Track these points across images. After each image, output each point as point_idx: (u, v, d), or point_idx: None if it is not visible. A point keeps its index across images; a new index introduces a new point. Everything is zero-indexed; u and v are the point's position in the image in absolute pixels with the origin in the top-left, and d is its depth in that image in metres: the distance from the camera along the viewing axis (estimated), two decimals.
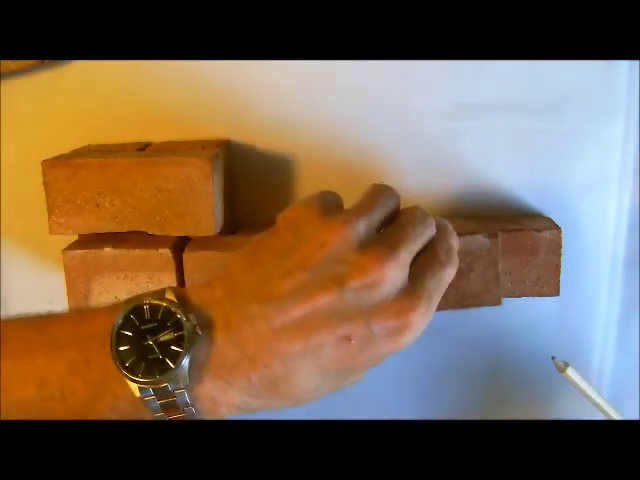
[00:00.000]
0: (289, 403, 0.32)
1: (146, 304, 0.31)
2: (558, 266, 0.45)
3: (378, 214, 0.33)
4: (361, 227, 0.32)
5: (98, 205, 0.41)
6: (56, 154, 0.43)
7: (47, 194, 0.41)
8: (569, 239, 0.46)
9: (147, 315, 0.31)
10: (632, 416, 0.51)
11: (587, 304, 0.50)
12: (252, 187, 0.48)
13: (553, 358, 0.45)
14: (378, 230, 0.34)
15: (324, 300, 0.30)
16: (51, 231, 0.42)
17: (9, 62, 0.45)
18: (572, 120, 0.47)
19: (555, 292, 0.45)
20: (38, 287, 0.49)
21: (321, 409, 0.51)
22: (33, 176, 0.43)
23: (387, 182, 0.45)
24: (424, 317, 0.31)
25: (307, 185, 0.48)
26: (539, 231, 0.45)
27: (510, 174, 0.47)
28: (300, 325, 0.30)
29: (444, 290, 0.33)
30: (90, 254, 0.42)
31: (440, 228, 0.35)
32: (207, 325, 0.30)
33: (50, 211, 0.41)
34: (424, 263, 0.33)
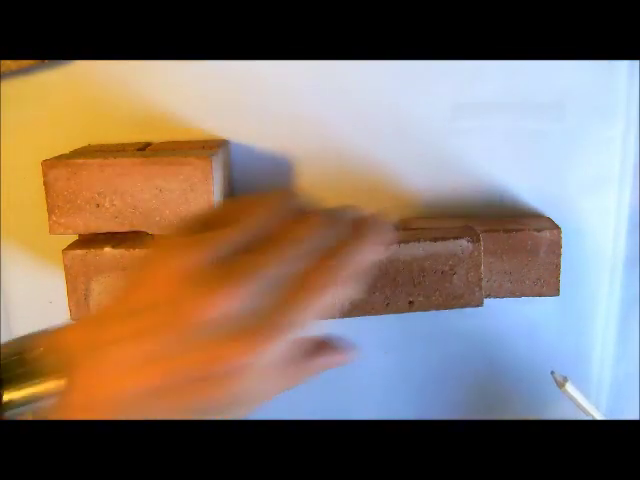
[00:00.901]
0: None
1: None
2: (558, 266, 0.45)
3: (228, 243, 0.29)
4: (204, 258, 0.28)
5: (98, 205, 0.41)
6: (56, 154, 0.43)
7: (47, 194, 0.41)
8: (569, 239, 0.46)
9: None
10: (632, 417, 0.51)
11: (587, 304, 0.50)
12: (252, 187, 0.48)
13: (552, 373, 0.45)
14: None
15: (160, 344, 0.28)
16: (51, 231, 0.42)
17: (9, 62, 0.45)
18: (572, 120, 0.47)
19: (555, 292, 0.45)
20: (38, 287, 0.49)
21: (319, 409, 0.51)
22: (33, 176, 0.43)
23: (386, 180, 0.45)
24: (264, 356, 0.27)
25: (307, 185, 0.48)
26: (539, 231, 0.45)
27: (510, 174, 0.47)
28: (142, 369, 0.28)
29: (317, 314, 0.29)
30: (90, 254, 0.42)
31: (359, 235, 0.31)
32: (56, 369, 0.30)
33: (50, 211, 0.41)
34: (303, 285, 0.29)
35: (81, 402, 0.29)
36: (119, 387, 0.28)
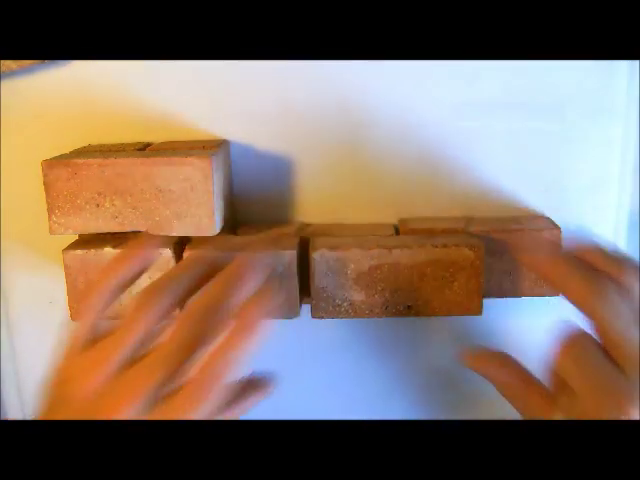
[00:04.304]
0: None
1: None
2: None
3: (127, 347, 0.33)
4: (116, 362, 0.32)
5: (98, 205, 0.41)
6: (56, 154, 0.43)
7: (47, 194, 0.41)
8: None
9: None
10: None
11: None
12: (252, 187, 0.48)
13: None
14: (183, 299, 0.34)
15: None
16: (51, 231, 0.42)
17: (9, 62, 0.45)
18: (572, 120, 0.47)
19: (555, 292, 0.45)
20: (38, 287, 0.49)
21: (317, 409, 0.51)
22: (33, 176, 0.43)
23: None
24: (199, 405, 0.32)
25: (307, 185, 0.48)
26: (539, 231, 0.45)
27: (510, 174, 0.47)
28: None
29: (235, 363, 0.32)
30: (90, 254, 0.42)
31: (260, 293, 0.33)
32: None
33: (50, 211, 0.41)
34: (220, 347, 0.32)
35: None
36: None
